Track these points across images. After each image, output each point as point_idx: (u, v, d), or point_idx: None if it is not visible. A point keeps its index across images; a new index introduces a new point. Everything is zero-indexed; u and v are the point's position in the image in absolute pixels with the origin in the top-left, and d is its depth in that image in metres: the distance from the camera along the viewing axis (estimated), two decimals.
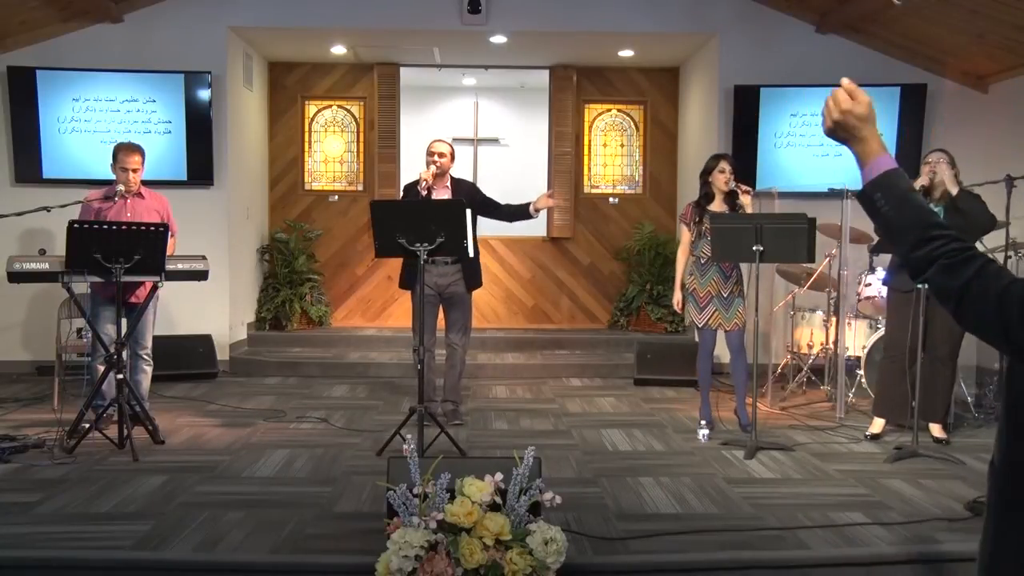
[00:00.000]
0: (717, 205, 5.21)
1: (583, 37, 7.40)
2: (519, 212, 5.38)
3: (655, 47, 7.80)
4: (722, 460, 4.54)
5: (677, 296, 5.30)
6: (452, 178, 5.40)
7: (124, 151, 4.99)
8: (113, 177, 5.08)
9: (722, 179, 5.16)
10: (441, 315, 5.40)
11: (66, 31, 6.93)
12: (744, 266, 5.22)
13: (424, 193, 5.07)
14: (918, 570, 3.11)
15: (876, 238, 5.67)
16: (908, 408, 5.03)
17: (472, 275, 5.31)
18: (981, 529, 1.43)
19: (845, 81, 1.51)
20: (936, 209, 4.84)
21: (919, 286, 4.83)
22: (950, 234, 1.42)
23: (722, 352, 5.73)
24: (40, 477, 4.07)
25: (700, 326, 5.19)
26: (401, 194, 5.56)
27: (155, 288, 4.89)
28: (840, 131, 1.52)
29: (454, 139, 9.44)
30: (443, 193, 5.28)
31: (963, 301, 1.36)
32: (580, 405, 6.00)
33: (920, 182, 4.81)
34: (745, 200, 5.08)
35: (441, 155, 5.27)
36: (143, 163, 5.07)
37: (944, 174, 4.75)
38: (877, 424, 5.05)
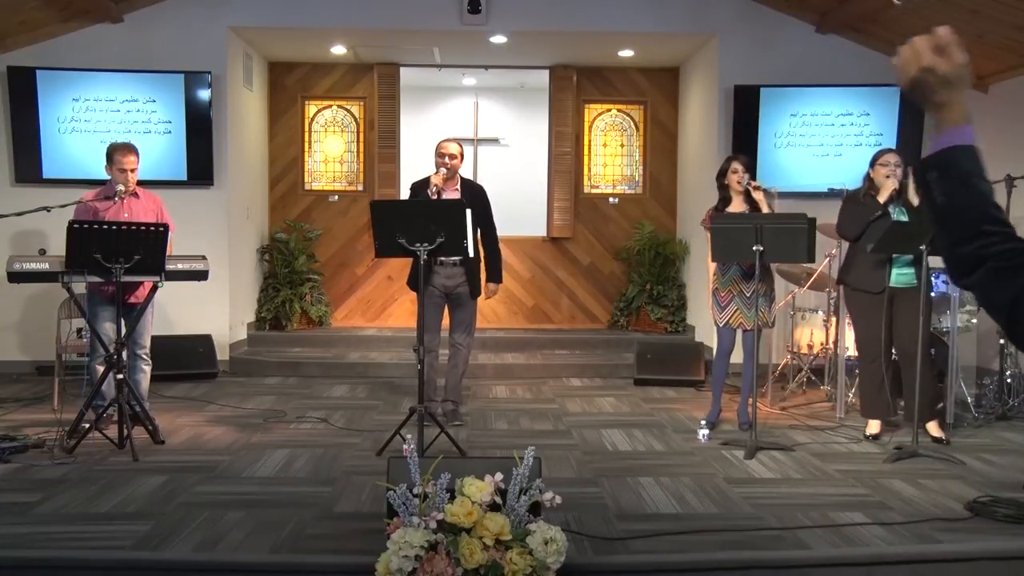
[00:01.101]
0: (737, 206, 5.20)
1: (583, 37, 7.40)
2: (488, 266, 5.42)
3: (655, 47, 7.80)
4: (722, 460, 4.54)
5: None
6: (462, 179, 5.38)
7: (121, 152, 4.98)
8: (107, 178, 5.09)
9: (735, 179, 5.16)
10: (446, 315, 5.40)
11: (66, 31, 6.93)
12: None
13: (435, 197, 5.03)
14: (918, 570, 3.10)
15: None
16: (891, 408, 5.03)
17: (474, 280, 5.29)
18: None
19: (941, 30, 1.20)
20: (895, 211, 4.82)
21: (889, 284, 4.81)
22: (1008, 231, 1.15)
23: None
24: (40, 477, 4.07)
25: (721, 325, 5.19)
26: (408, 192, 5.49)
27: (155, 288, 4.89)
28: (918, 91, 1.23)
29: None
30: (452, 195, 5.23)
31: (1015, 316, 1.11)
32: (580, 405, 6.00)
33: (890, 187, 4.81)
34: (758, 196, 5.07)
35: (452, 156, 5.22)
36: (138, 162, 5.07)
37: (893, 180, 4.82)
38: (872, 425, 5.04)
